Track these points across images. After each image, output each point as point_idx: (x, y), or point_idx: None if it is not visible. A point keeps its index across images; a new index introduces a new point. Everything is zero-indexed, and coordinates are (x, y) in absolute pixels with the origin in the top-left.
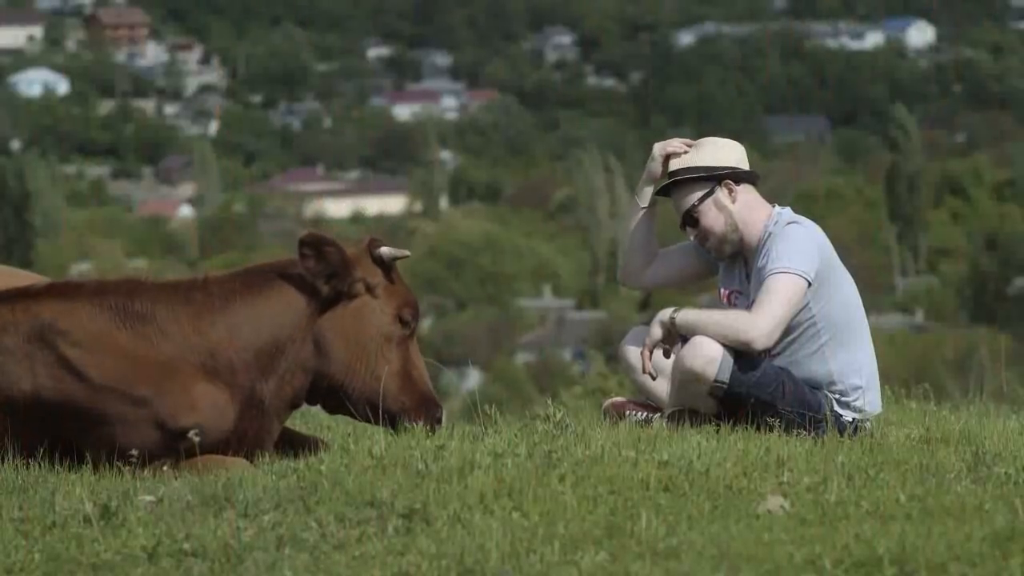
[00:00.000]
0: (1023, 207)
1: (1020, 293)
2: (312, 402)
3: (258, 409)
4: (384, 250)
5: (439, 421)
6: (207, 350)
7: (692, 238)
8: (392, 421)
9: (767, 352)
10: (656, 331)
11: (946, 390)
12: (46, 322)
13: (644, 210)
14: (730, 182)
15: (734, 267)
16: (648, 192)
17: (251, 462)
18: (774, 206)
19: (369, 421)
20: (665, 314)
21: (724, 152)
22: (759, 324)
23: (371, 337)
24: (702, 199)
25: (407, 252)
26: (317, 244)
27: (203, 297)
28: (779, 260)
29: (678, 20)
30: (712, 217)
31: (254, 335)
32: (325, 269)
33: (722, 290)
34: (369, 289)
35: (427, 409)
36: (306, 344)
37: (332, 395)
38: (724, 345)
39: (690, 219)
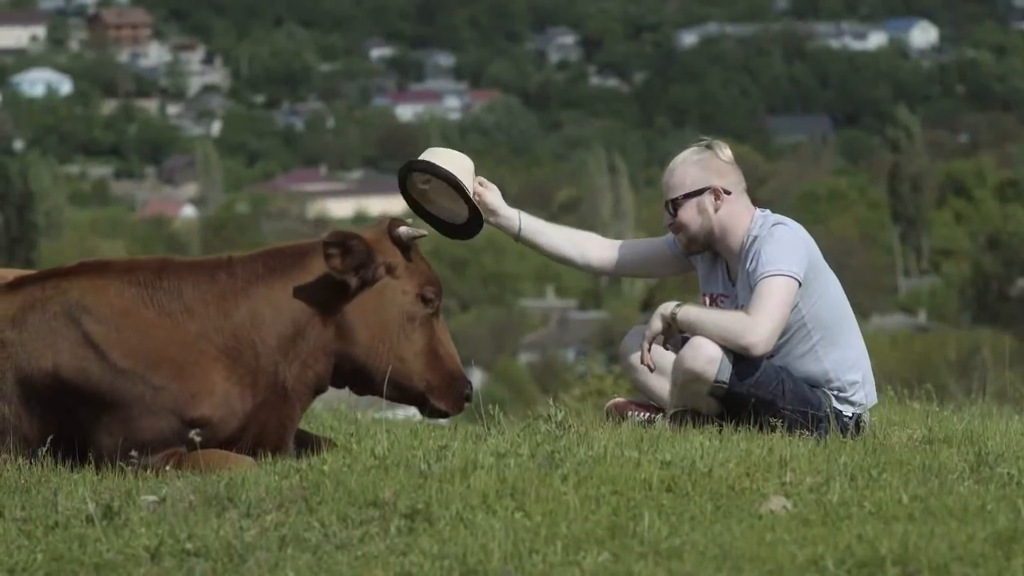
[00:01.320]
0: None
1: (1022, 294)
2: (339, 385)
3: (281, 395)
4: (403, 230)
5: (468, 398)
6: (231, 332)
7: (666, 225)
8: (419, 400)
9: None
10: (656, 324)
11: (949, 391)
12: (74, 299)
13: (520, 236)
14: (719, 190)
15: (715, 270)
16: (499, 214)
17: (274, 448)
18: (755, 208)
19: (396, 401)
20: (667, 308)
21: (458, 161)
22: (759, 329)
23: (393, 318)
24: (687, 196)
25: (425, 232)
26: (343, 242)
27: (228, 277)
28: (770, 263)
29: (681, 20)
30: (690, 216)
31: (276, 319)
32: (352, 263)
33: (704, 296)
34: (389, 270)
35: (454, 387)
36: (328, 328)
37: (356, 377)
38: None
39: (671, 206)
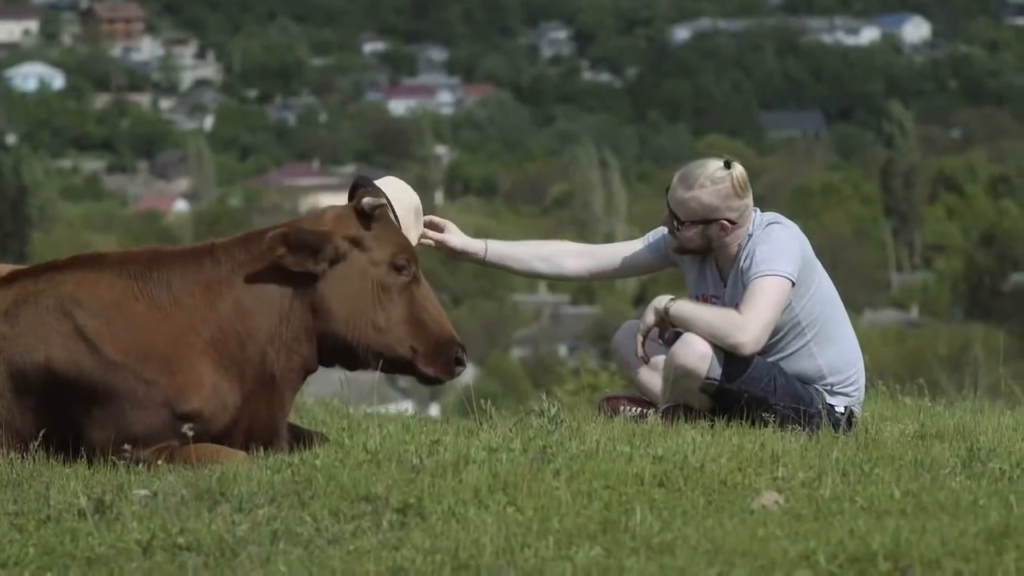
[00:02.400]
0: (1018, 203)
1: (1015, 289)
2: (328, 364)
3: (269, 383)
4: (365, 201)
5: (459, 361)
6: (217, 324)
7: (662, 223)
8: (408, 369)
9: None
10: (650, 317)
11: (941, 386)
12: (66, 293)
13: (487, 261)
14: (727, 224)
15: (704, 271)
16: (466, 252)
17: (267, 437)
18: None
19: (387, 372)
20: (660, 302)
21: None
22: (749, 328)
23: (366, 291)
24: (694, 223)
25: (384, 201)
26: (283, 240)
27: (212, 266)
28: (764, 263)
29: (674, 15)
30: (691, 237)
31: (258, 307)
32: (303, 253)
33: (695, 297)
34: (356, 244)
35: (442, 351)
36: (306, 310)
37: (341, 354)
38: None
39: (675, 217)
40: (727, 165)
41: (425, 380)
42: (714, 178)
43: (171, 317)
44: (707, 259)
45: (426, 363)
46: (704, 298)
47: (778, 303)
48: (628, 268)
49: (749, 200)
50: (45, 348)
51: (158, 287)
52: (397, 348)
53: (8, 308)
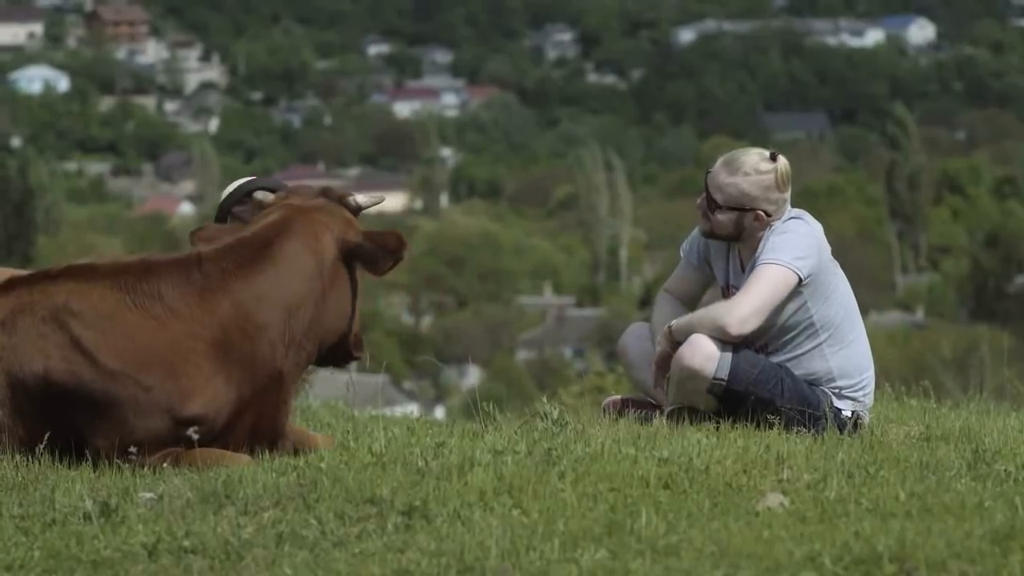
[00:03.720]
0: (1023, 204)
1: (1020, 290)
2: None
3: (277, 380)
4: (360, 199)
5: None
6: (219, 326)
7: (698, 206)
8: (346, 356)
9: (760, 348)
10: (662, 346)
11: (946, 388)
12: (60, 303)
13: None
14: (763, 216)
15: (728, 261)
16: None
17: (271, 433)
18: None
19: (342, 362)
20: (664, 328)
21: None
22: (734, 311)
23: (358, 284)
24: (731, 208)
25: (384, 196)
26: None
27: (201, 276)
28: (772, 251)
29: (678, 17)
30: (724, 222)
31: (261, 308)
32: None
33: (724, 286)
34: None
35: (360, 334)
36: (317, 308)
37: (334, 347)
38: (718, 340)
39: (713, 201)
40: (773, 157)
41: (350, 362)
42: (759, 169)
43: (167, 325)
44: (731, 249)
45: (358, 348)
46: (730, 287)
47: (774, 291)
48: (692, 291)
49: (787, 195)
50: (43, 359)
51: (150, 299)
52: (352, 336)
53: (5, 318)
